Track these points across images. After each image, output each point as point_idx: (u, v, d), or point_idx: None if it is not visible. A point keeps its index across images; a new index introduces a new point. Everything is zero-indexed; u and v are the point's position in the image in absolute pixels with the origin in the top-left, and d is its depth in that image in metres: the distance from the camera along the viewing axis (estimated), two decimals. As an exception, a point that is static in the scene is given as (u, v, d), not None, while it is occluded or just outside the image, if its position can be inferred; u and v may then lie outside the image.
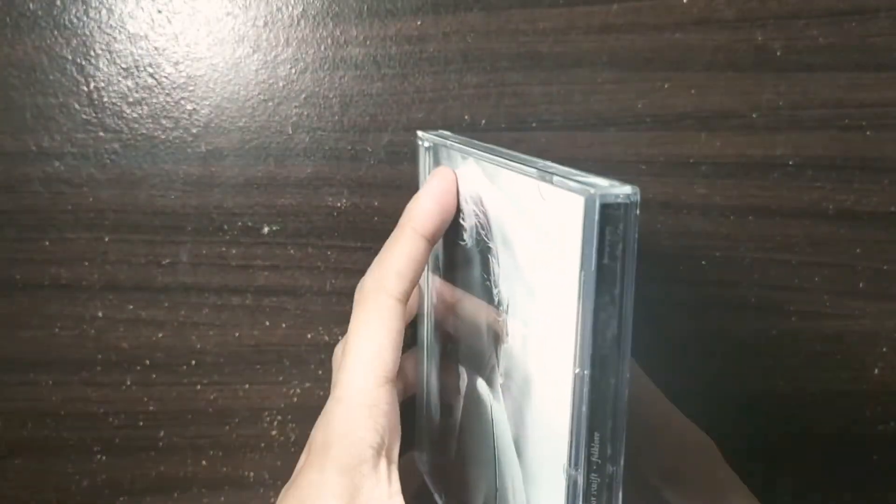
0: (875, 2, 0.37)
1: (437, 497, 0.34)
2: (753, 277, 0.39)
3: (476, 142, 0.30)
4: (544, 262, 0.23)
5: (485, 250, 0.27)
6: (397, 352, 0.28)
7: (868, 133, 0.38)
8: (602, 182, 0.21)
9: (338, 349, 0.32)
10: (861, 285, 0.39)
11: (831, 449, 0.40)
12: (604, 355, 0.21)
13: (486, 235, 0.27)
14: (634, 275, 0.21)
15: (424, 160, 0.33)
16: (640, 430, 0.29)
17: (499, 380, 0.27)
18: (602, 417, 0.22)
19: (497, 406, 0.28)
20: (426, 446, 0.36)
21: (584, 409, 0.21)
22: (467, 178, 0.29)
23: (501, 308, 0.26)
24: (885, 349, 0.39)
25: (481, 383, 0.29)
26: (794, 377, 0.40)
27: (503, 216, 0.26)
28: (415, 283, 0.29)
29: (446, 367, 0.32)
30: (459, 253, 0.30)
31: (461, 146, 0.29)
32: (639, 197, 0.20)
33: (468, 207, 0.29)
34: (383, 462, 0.26)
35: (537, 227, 0.23)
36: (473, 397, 0.30)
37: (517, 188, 0.25)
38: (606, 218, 0.20)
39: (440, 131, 0.33)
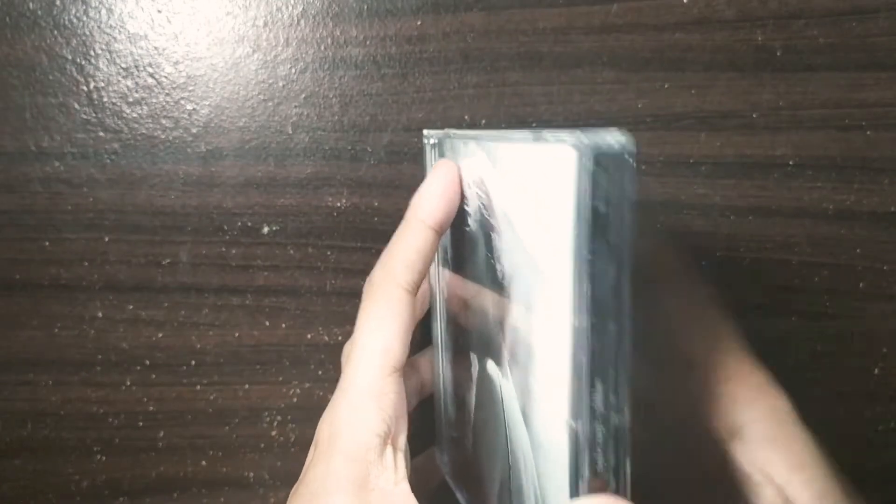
0: (875, 2, 0.37)
1: (459, 496, 0.34)
2: (753, 277, 0.39)
3: (481, 131, 0.30)
4: (542, 223, 0.23)
5: (488, 229, 0.27)
6: (406, 342, 0.28)
7: (868, 133, 0.38)
8: (595, 133, 0.20)
9: (346, 347, 0.32)
10: (861, 285, 0.39)
11: (831, 449, 0.40)
12: (602, 303, 0.21)
13: (488, 215, 0.27)
14: (632, 223, 0.21)
15: (430, 157, 0.33)
16: (708, 381, 0.29)
17: (506, 357, 0.27)
18: (603, 366, 0.21)
19: (506, 384, 0.27)
20: (445, 445, 0.35)
21: (582, 358, 0.21)
22: (470, 165, 0.29)
23: (504, 283, 0.26)
24: (885, 350, 0.39)
25: (491, 365, 0.29)
26: (794, 378, 0.40)
27: (503, 191, 0.26)
28: (424, 273, 0.29)
29: (459, 360, 0.32)
30: (466, 240, 0.30)
31: (464, 133, 0.29)
32: (634, 146, 0.20)
33: (471, 192, 0.29)
34: (389, 449, 0.26)
35: (535, 191, 0.23)
36: (484, 383, 0.29)
37: (514, 158, 0.24)
38: (599, 166, 0.20)
39: (446, 130, 0.33)
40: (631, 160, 0.20)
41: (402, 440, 0.27)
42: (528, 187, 0.23)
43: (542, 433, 0.24)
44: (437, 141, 0.33)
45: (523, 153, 0.24)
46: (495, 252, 0.27)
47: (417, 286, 0.28)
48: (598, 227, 0.20)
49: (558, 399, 0.22)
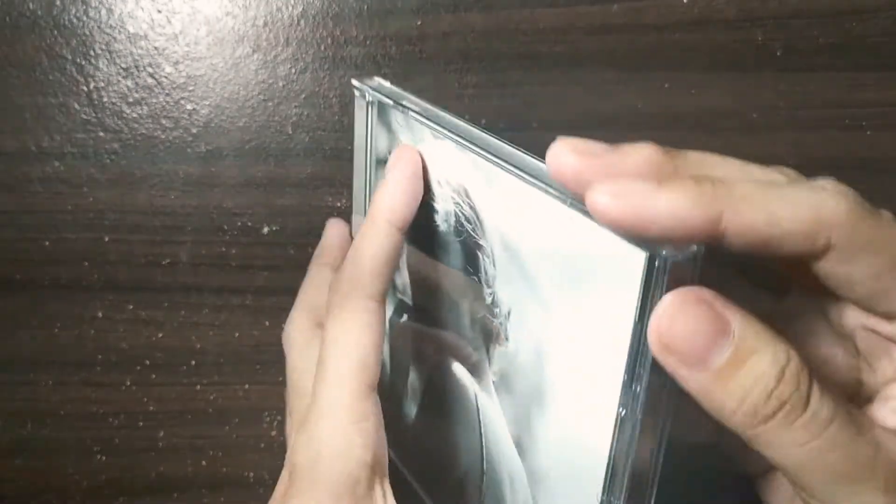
0: (875, 2, 0.37)
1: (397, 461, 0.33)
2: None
3: (434, 110, 0.28)
4: (577, 293, 0.21)
5: (471, 245, 0.26)
6: (380, 357, 0.26)
7: (868, 133, 0.38)
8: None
9: (290, 331, 0.31)
10: (861, 285, 0.39)
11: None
12: (651, 402, 0.20)
13: (473, 230, 0.26)
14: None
15: (365, 116, 0.31)
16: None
17: (490, 377, 0.27)
18: (643, 457, 0.21)
19: (489, 402, 0.27)
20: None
21: (623, 450, 0.21)
22: (438, 158, 0.27)
23: (497, 310, 0.25)
24: (885, 349, 0.39)
25: (460, 369, 0.28)
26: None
27: (505, 222, 0.24)
28: (391, 279, 0.27)
29: (412, 331, 0.31)
30: (430, 230, 0.28)
31: (428, 122, 0.27)
32: (703, 252, 0.19)
33: (442, 191, 0.27)
34: (377, 478, 0.25)
35: (569, 258, 0.21)
36: (451, 382, 0.29)
37: (534, 205, 0.23)
38: (669, 275, 0.19)
39: (376, 79, 0.31)
40: (698, 269, 0.19)
41: (385, 462, 0.26)
42: (558, 251, 0.22)
43: (555, 485, 0.24)
44: (372, 99, 0.30)
45: (551, 210, 0.22)
46: (483, 275, 0.26)
47: (385, 294, 0.27)
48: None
49: (590, 475, 0.21)
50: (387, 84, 0.31)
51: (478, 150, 0.25)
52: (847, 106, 0.37)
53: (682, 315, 0.18)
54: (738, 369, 0.18)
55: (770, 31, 0.37)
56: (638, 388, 0.20)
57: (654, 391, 0.20)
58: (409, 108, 0.28)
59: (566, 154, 0.20)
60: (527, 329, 0.24)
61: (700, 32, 0.37)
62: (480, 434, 0.28)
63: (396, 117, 0.29)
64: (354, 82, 0.31)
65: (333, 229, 0.35)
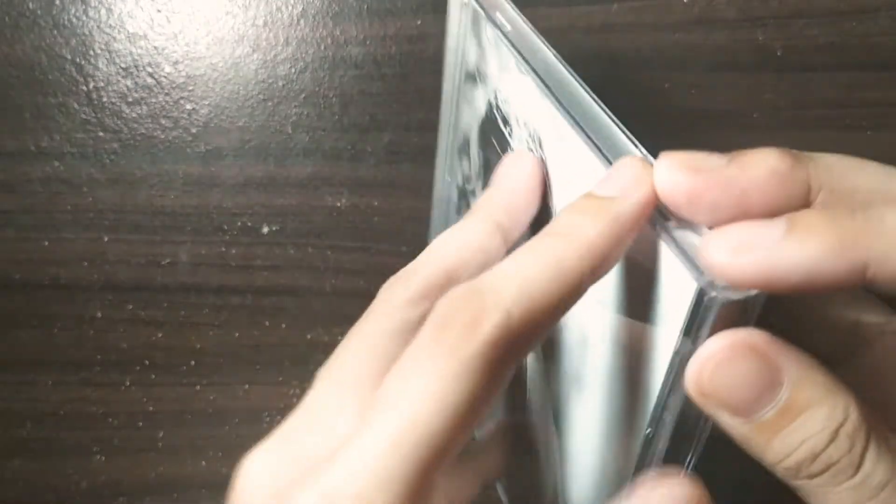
0: (876, 1, 0.37)
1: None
2: (754, 277, 0.39)
3: (529, 35, 0.24)
4: (630, 294, 0.19)
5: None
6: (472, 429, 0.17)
7: (869, 133, 0.38)
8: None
9: (323, 372, 0.22)
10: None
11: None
12: (679, 429, 0.18)
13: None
14: None
15: (458, 20, 0.26)
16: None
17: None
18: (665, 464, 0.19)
19: (532, 360, 0.25)
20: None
21: (647, 464, 0.19)
22: (519, 94, 0.23)
23: None
24: (885, 349, 0.39)
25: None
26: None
27: (571, 191, 0.21)
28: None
29: None
30: None
31: (516, 50, 0.23)
32: (763, 299, 0.16)
33: (519, 132, 0.23)
34: None
35: (629, 256, 0.19)
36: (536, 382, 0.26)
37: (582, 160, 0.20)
38: (718, 314, 0.16)
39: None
40: (756, 313, 0.17)
41: None
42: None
43: (584, 470, 0.23)
44: (468, 2, 0.25)
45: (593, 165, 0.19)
46: None
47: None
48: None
49: (624, 468, 0.20)
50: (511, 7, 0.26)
51: (558, 103, 0.21)
52: (847, 106, 0.37)
53: (727, 364, 0.16)
54: (785, 425, 0.16)
55: (770, 31, 0.37)
56: (668, 417, 0.18)
57: (683, 419, 0.18)
58: (499, 27, 0.24)
59: (677, 172, 0.17)
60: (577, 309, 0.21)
61: (700, 32, 0.37)
62: (526, 390, 0.25)
63: (487, 31, 0.25)
64: None
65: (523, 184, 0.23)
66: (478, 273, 0.18)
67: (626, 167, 0.19)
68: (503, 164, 0.23)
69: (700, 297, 0.16)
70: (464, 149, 0.29)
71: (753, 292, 0.16)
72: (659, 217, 0.18)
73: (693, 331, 0.17)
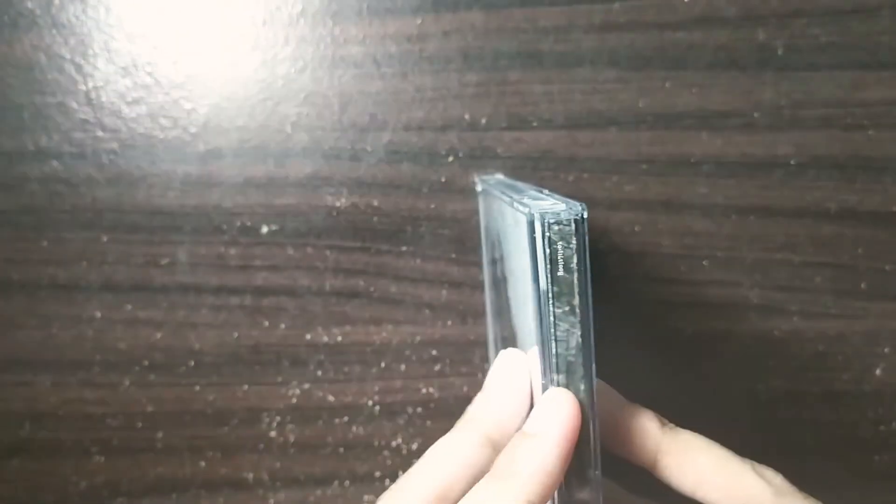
0: (877, 0, 0.37)
1: None
2: (755, 277, 0.38)
3: (518, 184, 0.31)
4: (520, 279, 0.24)
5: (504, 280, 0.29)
6: None
7: (870, 132, 0.38)
8: (554, 203, 0.23)
9: None
10: (863, 286, 0.39)
11: (833, 450, 0.40)
12: (570, 363, 0.22)
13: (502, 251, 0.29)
14: (589, 284, 0.22)
15: (479, 204, 0.36)
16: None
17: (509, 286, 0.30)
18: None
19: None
20: None
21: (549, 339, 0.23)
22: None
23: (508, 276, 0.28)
24: (886, 350, 0.39)
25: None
26: (796, 377, 0.39)
27: (507, 246, 0.27)
28: None
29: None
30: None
31: (493, 191, 0.30)
32: (584, 214, 0.22)
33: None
34: None
35: (517, 251, 0.24)
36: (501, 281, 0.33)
37: (508, 217, 0.26)
38: (553, 234, 0.22)
39: (496, 175, 0.36)
40: (584, 228, 0.22)
41: None
42: (517, 250, 0.25)
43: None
44: (482, 189, 0.34)
45: (509, 215, 0.26)
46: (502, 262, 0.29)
47: None
48: (559, 291, 0.22)
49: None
50: (501, 176, 0.35)
51: (500, 192, 0.28)
52: (849, 105, 0.37)
53: None
54: None
55: (771, 30, 0.37)
56: (553, 353, 0.23)
57: (569, 353, 0.23)
58: (488, 185, 0.32)
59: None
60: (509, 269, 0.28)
61: (701, 31, 0.37)
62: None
63: (490, 199, 0.32)
64: (476, 178, 0.36)
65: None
66: (468, 487, 0.22)
67: (550, 401, 0.23)
68: (495, 367, 0.26)
69: (531, 222, 0.22)
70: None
71: (570, 214, 0.22)
72: (508, 192, 0.25)
73: (536, 250, 0.22)
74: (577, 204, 0.22)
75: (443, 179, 0.37)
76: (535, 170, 0.37)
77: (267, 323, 0.39)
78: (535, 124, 0.37)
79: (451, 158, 0.37)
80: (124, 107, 0.37)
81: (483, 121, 0.37)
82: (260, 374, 0.39)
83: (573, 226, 0.22)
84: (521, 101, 0.37)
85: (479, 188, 0.36)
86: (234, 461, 0.39)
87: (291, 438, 0.39)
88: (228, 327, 0.39)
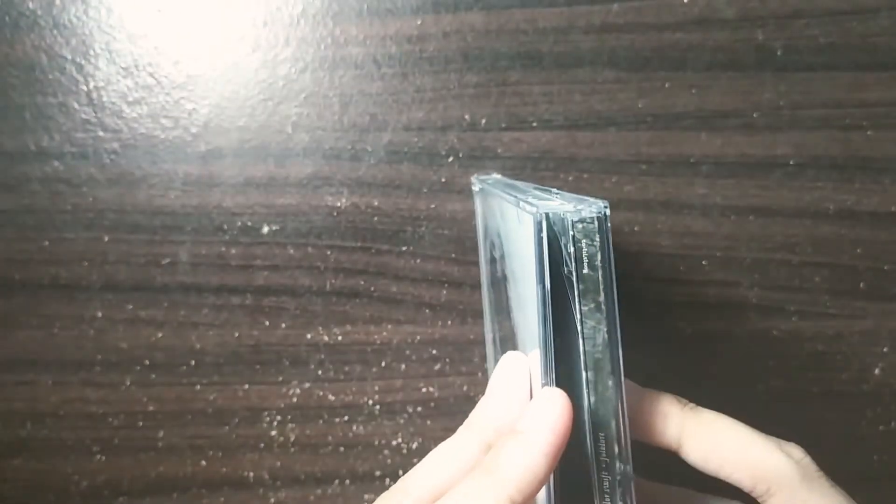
0: (876, 1, 0.37)
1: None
2: (754, 277, 0.39)
3: (518, 183, 0.31)
4: (522, 279, 0.24)
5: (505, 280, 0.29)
6: None
7: (869, 133, 0.38)
8: (562, 202, 0.22)
9: None
10: (862, 285, 0.39)
11: (832, 450, 0.40)
12: (597, 359, 0.22)
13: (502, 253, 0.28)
14: (615, 281, 0.22)
15: (476, 203, 0.35)
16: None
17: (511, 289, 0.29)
18: (605, 418, 0.23)
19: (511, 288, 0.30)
20: None
21: (584, 415, 0.22)
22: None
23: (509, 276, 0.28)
24: (885, 349, 0.39)
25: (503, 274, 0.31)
26: (795, 377, 0.40)
27: (509, 245, 0.27)
28: None
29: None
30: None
31: (494, 190, 0.30)
32: (607, 211, 0.22)
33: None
34: None
35: (521, 251, 0.24)
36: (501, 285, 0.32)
37: (510, 217, 0.26)
38: (576, 232, 0.22)
39: (492, 175, 0.36)
40: (605, 226, 0.22)
41: None
42: (520, 250, 0.25)
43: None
44: (479, 189, 0.34)
45: (513, 215, 0.25)
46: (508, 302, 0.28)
47: None
48: (586, 289, 0.22)
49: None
50: (498, 176, 0.35)
51: (501, 192, 0.28)
52: (847, 106, 0.37)
53: None
54: None
55: (770, 31, 0.37)
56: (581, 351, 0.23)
57: (596, 349, 0.23)
58: (487, 185, 0.32)
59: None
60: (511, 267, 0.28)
61: (700, 32, 0.37)
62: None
63: (488, 198, 0.32)
64: (473, 179, 0.36)
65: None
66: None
67: (541, 400, 0.23)
68: (497, 370, 0.26)
69: (538, 221, 0.22)
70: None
71: (594, 212, 0.22)
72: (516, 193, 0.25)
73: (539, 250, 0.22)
74: (599, 201, 0.22)
75: (443, 179, 0.38)
76: (534, 170, 0.37)
77: (267, 322, 0.39)
78: (534, 125, 0.37)
79: (450, 158, 0.37)
80: (125, 107, 0.37)
81: (483, 121, 0.37)
82: (260, 373, 0.39)
83: (596, 223, 0.22)
84: (520, 101, 0.37)
85: (476, 188, 0.36)
86: (234, 460, 0.40)
87: (292, 438, 0.39)
88: (229, 327, 0.39)
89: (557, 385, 0.22)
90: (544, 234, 0.22)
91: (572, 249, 0.22)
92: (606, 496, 0.23)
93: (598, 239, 0.22)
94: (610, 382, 0.22)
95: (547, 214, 0.22)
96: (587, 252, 0.22)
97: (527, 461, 0.21)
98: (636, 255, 0.38)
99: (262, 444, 0.39)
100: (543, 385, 0.23)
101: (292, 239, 0.38)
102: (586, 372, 0.22)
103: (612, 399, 0.22)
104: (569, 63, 0.37)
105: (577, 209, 0.22)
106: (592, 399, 0.22)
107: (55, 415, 0.39)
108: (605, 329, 0.22)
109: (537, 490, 0.22)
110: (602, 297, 0.22)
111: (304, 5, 0.37)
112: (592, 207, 0.22)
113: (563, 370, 0.23)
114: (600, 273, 0.22)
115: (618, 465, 0.23)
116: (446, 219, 0.38)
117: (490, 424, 0.25)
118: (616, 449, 0.23)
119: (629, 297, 0.38)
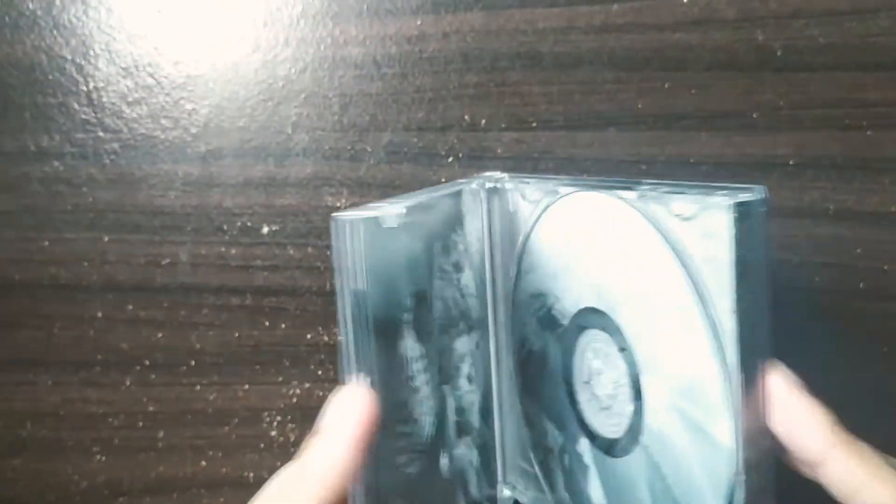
0: (875, 1, 0.37)
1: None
2: (754, 277, 0.39)
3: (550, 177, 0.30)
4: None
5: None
6: None
7: (869, 133, 0.38)
8: (722, 189, 0.22)
9: None
10: (861, 285, 0.39)
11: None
12: (755, 344, 0.24)
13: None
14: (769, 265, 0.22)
15: (483, 203, 0.31)
16: None
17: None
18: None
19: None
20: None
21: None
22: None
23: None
24: (885, 349, 0.39)
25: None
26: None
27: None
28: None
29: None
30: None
31: (545, 178, 0.29)
32: (766, 194, 0.22)
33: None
34: None
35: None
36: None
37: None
38: (746, 221, 0.21)
39: (493, 174, 0.32)
40: (764, 209, 0.22)
41: None
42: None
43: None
44: (493, 186, 0.30)
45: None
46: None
47: None
48: (747, 275, 0.22)
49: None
50: (504, 175, 0.32)
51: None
52: (847, 106, 0.37)
53: None
54: None
55: (770, 31, 0.37)
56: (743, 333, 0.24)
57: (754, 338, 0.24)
58: (525, 181, 0.30)
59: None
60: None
61: (700, 32, 0.37)
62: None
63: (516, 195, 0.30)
64: (477, 178, 0.32)
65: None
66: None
67: (334, 400, 0.23)
68: (329, 407, 0.24)
69: (730, 209, 0.21)
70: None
71: (754, 196, 0.21)
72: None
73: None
74: (758, 186, 0.22)
75: (443, 179, 0.38)
76: (534, 170, 0.37)
77: (268, 323, 0.39)
78: (534, 125, 0.37)
79: (450, 159, 0.37)
80: (125, 107, 0.37)
81: (483, 121, 0.37)
82: (260, 373, 0.39)
83: (760, 208, 0.22)
84: (520, 101, 0.37)
85: (488, 185, 0.31)
86: (234, 460, 0.40)
87: (292, 438, 0.39)
88: (229, 327, 0.39)
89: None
90: (743, 226, 0.21)
91: (735, 234, 0.21)
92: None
93: (758, 226, 0.22)
94: (760, 365, 0.24)
95: (738, 204, 0.21)
96: (753, 241, 0.22)
97: (325, 458, 0.22)
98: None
99: (263, 445, 0.39)
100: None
101: (292, 239, 0.38)
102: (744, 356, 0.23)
103: (757, 385, 0.24)
104: (569, 63, 0.37)
105: (752, 196, 0.21)
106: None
107: (55, 415, 0.39)
108: (762, 316, 0.23)
109: (340, 483, 0.22)
110: (759, 286, 0.22)
111: (304, 6, 0.37)
112: (754, 192, 0.22)
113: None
114: (762, 257, 0.22)
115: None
116: (446, 219, 0.38)
117: (318, 483, 0.23)
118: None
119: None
